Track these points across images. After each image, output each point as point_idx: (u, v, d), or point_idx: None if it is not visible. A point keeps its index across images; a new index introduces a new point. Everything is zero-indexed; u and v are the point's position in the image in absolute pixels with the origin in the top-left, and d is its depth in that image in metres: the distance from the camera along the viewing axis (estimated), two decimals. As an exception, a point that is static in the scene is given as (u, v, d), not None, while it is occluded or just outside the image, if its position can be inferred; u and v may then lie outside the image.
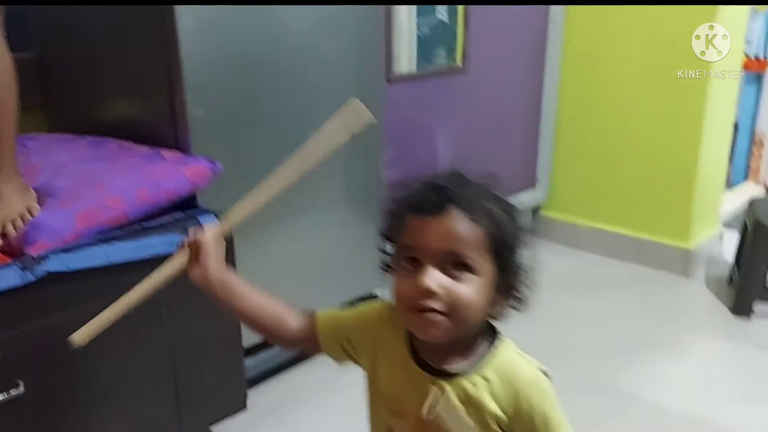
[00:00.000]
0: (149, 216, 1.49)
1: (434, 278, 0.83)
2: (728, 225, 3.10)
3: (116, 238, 1.40)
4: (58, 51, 1.97)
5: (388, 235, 0.91)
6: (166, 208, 1.52)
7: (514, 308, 0.91)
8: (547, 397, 0.89)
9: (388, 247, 0.92)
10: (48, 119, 2.07)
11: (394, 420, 0.94)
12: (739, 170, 3.89)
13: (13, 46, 2.05)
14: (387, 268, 0.92)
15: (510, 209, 0.89)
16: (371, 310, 0.99)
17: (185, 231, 1.49)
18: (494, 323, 0.92)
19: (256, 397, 1.84)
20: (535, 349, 2.47)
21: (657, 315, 2.50)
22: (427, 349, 0.91)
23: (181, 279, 1.51)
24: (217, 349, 1.67)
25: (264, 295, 1.02)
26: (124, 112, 1.87)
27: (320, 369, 2.05)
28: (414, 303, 0.84)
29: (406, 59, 2.33)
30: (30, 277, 1.28)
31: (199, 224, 1.52)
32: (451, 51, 2.47)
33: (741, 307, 2.47)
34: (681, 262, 2.75)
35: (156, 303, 1.50)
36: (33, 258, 1.30)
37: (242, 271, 1.08)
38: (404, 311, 0.86)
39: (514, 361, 0.90)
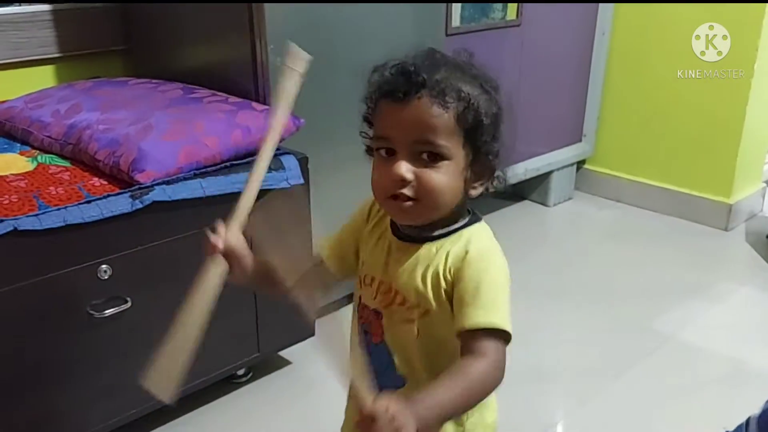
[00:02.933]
0: (237, 158, 1.63)
1: (404, 168, 0.85)
2: (770, 184, 3.17)
3: (210, 173, 1.56)
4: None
5: (367, 119, 0.93)
6: (252, 152, 1.65)
7: (492, 186, 0.92)
8: (491, 270, 0.88)
9: (369, 131, 0.93)
10: (130, 65, 2.22)
11: (363, 290, 0.97)
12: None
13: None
14: (368, 151, 0.94)
15: (487, 84, 0.88)
16: (356, 214, 1.03)
17: (269, 168, 1.64)
18: (476, 211, 0.95)
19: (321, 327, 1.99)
20: (575, 290, 2.62)
21: (695, 265, 2.60)
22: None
23: (264, 212, 1.67)
24: (290, 279, 1.83)
25: (296, 271, 1.03)
26: (203, 60, 2.00)
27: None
28: (388, 191, 0.87)
29: (464, 13, 2.42)
30: (138, 205, 1.44)
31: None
32: (507, 5, 2.54)
33: (779, 261, 2.56)
34: (721, 216, 2.84)
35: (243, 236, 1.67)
36: (141, 188, 1.46)
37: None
38: (380, 199, 0.90)
39: (480, 235, 0.92)
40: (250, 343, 1.77)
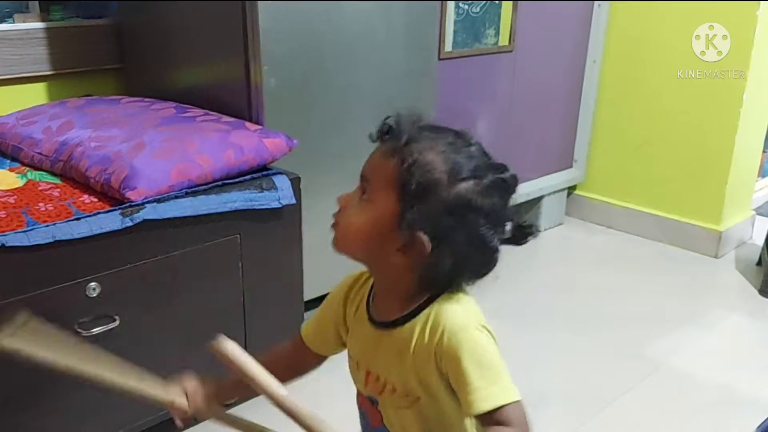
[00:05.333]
0: (229, 177, 1.62)
1: (343, 195, 0.89)
2: (760, 212, 3.18)
3: (202, 192, 1.55)
4: (136, 18, 2.11)
5: None
6: (244, 172, 1.65)
7: (430, 275, 0.86)
8: (471, 351, 0.83)
9: None
10: (123, 84, 2.22)
11: (355, 376, 0.97)
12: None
13: (92, 13, 2.22)
14: None
15: (463, 175, 0.82)
16: (336, 294, 1.01)
17: (261, 188, 1.64)
18: (460, 285, 0.89)
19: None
20: (565, 316, 2.60)
21: (686, 292, 2.60)
22: (376, 304, 0.93)
23: (253, 242, 1.66)
24: (281, 302, 1.81)
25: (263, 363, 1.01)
26: (197, 80, 2.01)
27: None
28: None
29: (457, 38, 2.44)
30: (129, 223, 1.43)
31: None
32: (500, 31, 2.57)
33: (769, 289, 2.57)
34: (711, 244, 2.85)
35: (233, 255, 1.66)
36: (131, 206, 1.45)
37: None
38: None
39: (451, 310, 0.86)
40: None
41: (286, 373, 0.99)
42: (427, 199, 0.82)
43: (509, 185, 0.86)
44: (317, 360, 1.05)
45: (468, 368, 0.82)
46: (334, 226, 0.90)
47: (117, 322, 1.46)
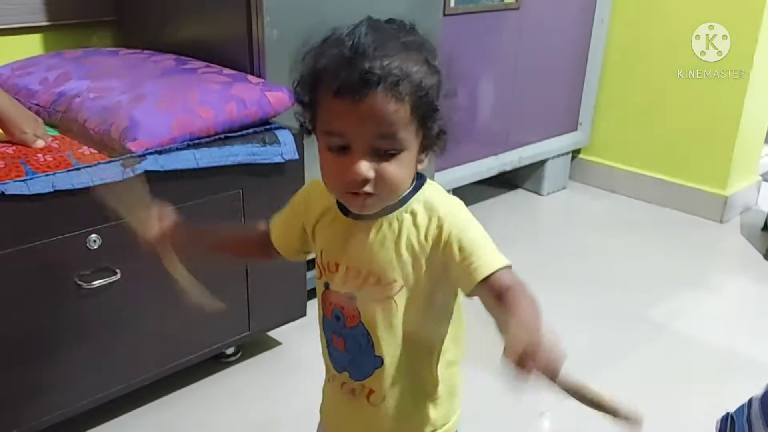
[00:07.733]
0: (231, 131, 1.58)
1: (365, 167, 0.81)
2: (766, 178, 3.15)
3: (204, 144, 1.51)
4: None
5: (301, 101, 0.88)
6: (246, 126, 1.61)
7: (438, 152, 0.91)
8: (466, 225, 0.88)
9: (303, 113, 0.89)
10: (120, 37, 2.17)
11: (328, 277, 0.94)
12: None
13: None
14: (308, 133, 0.89)
15: (430, 55, 0.85)
16: (299, 200, 0.99)
17: (264, 142, 1.61)
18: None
19: (312, 307, 1.96)
20: (568, 279, 2.58)
21: (690, 256, 2.59)
22: None
23: (255, 197, 1.63)
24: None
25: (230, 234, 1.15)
26: (196, 32, 1.95)
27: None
28: (347, 188, 0.83)
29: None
30: (129, 174, 1.39)
31: (273, 138, 1.63)
32: (507, -11, 2.52)
33: (773, 254, 2.55)
34: (717, 208, 2.82)
35: (235, 210, 1.63)
36: (132, 157, 1.41)
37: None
38: (337, 193, 0.87)
39: (437, 198, 0.90)
40: (241, 320, 1.74)
41: (241, 253, 1.20)
42: (434, 104, 0.84)
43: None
44: (275, 256, 1.06)
45: (471, 240, 0.87)
46: (372, 196, 0.83)
47: (118, 276, 1.44)
